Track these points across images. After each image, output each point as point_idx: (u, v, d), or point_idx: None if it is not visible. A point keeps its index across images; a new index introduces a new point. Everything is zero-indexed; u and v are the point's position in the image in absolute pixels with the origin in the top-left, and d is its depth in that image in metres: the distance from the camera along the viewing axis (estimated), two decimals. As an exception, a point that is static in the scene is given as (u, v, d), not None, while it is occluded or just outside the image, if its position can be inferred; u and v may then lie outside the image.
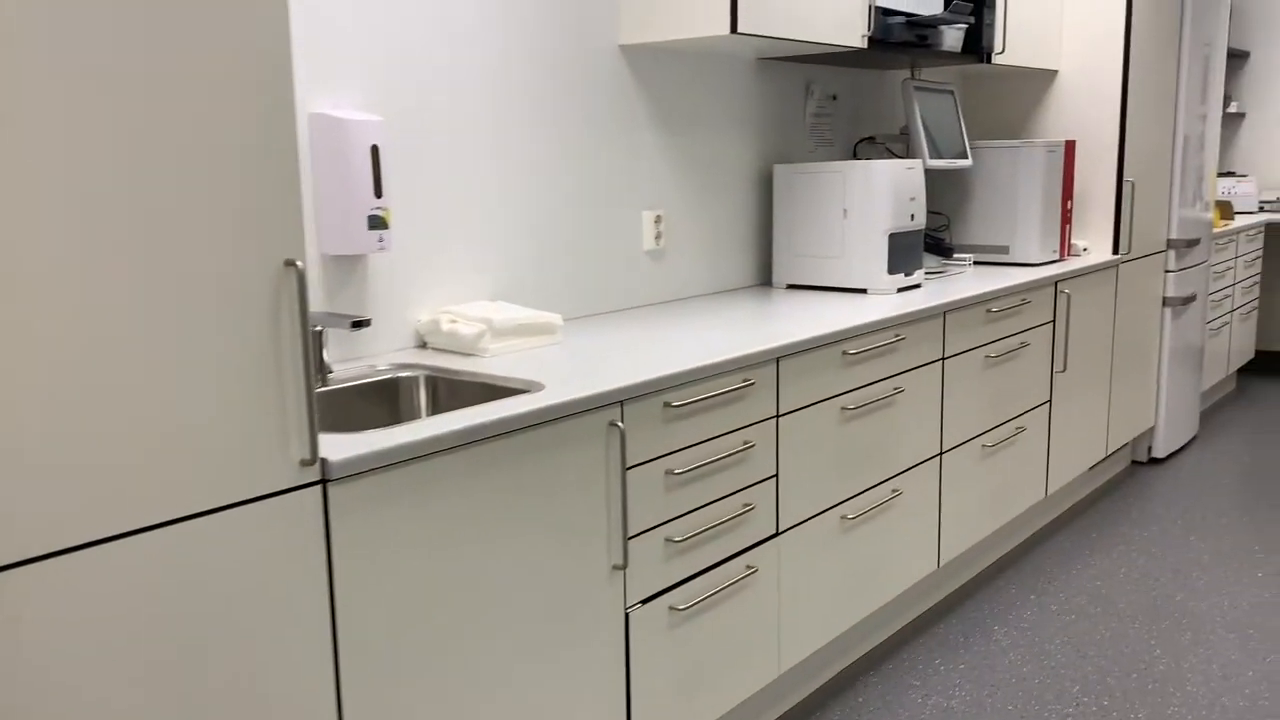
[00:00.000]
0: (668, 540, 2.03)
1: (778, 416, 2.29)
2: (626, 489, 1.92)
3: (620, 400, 1.88)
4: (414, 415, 2.08)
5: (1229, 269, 5.33)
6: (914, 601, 3.05)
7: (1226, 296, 5.34)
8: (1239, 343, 5.67)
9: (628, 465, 1.92)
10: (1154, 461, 4.52)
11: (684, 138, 2.91)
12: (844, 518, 2.54)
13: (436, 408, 2.07)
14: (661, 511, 2.01)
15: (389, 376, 2.07)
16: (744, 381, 2.18)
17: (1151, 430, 4.47)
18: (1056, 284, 3.47)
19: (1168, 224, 4.31)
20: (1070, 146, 3.70)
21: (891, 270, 2.99)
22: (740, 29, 2.45)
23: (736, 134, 3.10)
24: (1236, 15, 6.37)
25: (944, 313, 2.87)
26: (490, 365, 2.06)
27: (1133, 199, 3.92)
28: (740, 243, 3.17)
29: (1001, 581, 3.30)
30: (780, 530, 2.34)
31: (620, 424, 1.88)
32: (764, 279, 3.27)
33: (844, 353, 2.48)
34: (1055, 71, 3.92)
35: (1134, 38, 3.81)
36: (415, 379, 2.08)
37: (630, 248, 2.78)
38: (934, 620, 3.06)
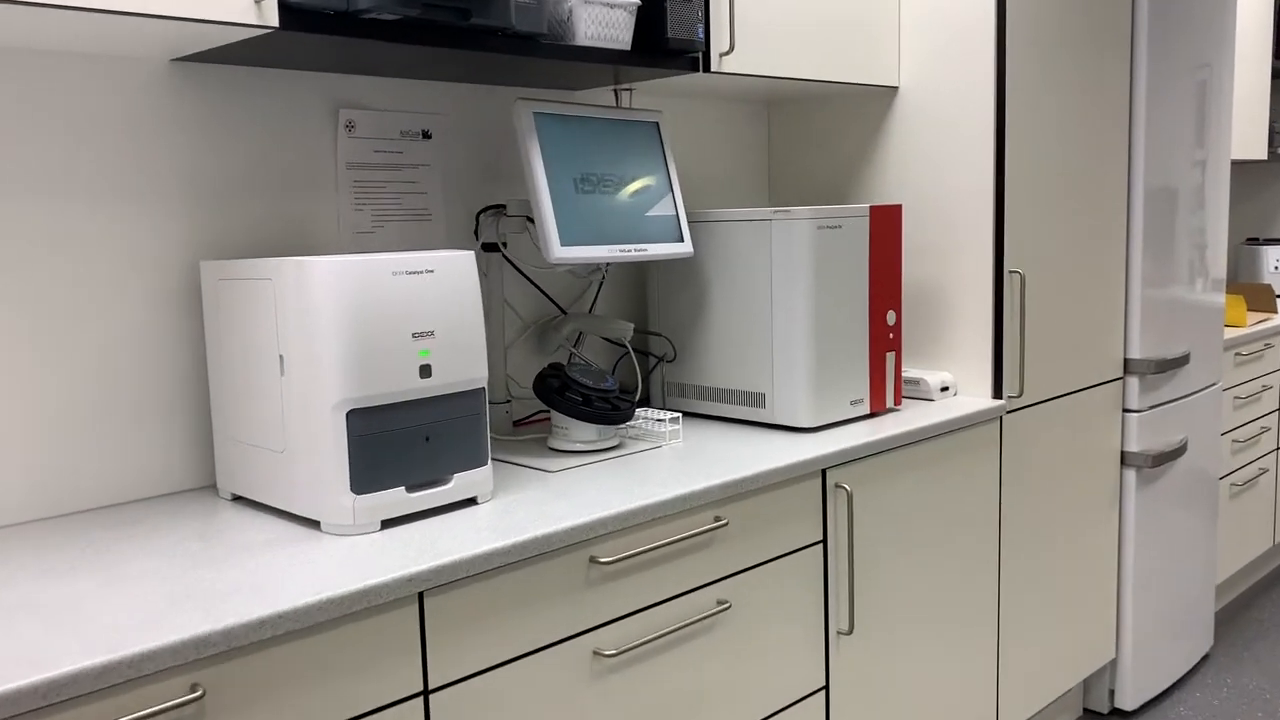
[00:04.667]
0: None
1: None
2: None
3: None
4: None
5: (1264, 389, 3.56)
6: None
7: (1263, 430, 3.56)
8: (1294, 491, 3.85)
9: None
10: (1119, 714, 2.79)
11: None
12: None
13: None
14: None
15: None
16: None
17: (1113, 665, 2.75)
18: (825, 473, 1.84)
19: (1124, 335, 2.63)
20: (887, 215, 2.08)
21: (365, 485, 1.43)
22: None
23: (136, 203, 1.60)
24: (1293, 25, 4.60)
25: (420, 593, 1.30)
26: None
27: (1022, 301, 2.27)
28: (155, 410, 1.65)
29: None
30: None
31: None
32: (213, 478, 1.74)
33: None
34: (894, 89, 2.32)
35: (1011, 36, 2.19)
36: None
37: None
38: None
